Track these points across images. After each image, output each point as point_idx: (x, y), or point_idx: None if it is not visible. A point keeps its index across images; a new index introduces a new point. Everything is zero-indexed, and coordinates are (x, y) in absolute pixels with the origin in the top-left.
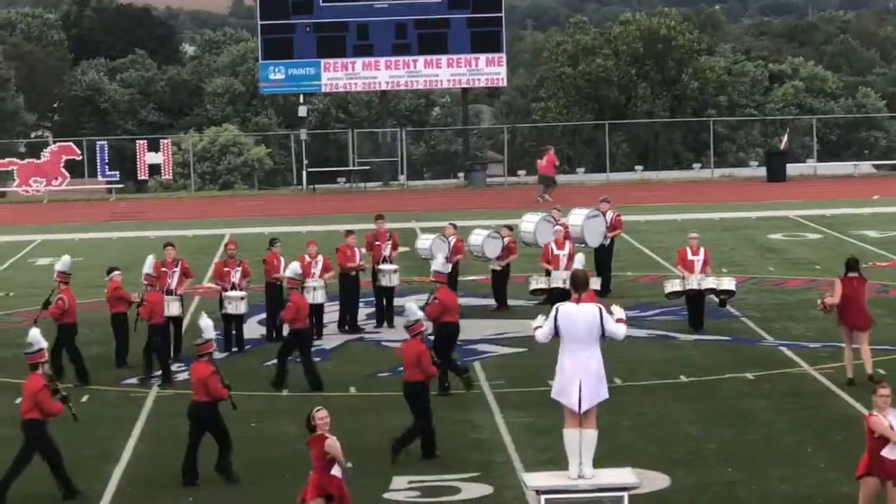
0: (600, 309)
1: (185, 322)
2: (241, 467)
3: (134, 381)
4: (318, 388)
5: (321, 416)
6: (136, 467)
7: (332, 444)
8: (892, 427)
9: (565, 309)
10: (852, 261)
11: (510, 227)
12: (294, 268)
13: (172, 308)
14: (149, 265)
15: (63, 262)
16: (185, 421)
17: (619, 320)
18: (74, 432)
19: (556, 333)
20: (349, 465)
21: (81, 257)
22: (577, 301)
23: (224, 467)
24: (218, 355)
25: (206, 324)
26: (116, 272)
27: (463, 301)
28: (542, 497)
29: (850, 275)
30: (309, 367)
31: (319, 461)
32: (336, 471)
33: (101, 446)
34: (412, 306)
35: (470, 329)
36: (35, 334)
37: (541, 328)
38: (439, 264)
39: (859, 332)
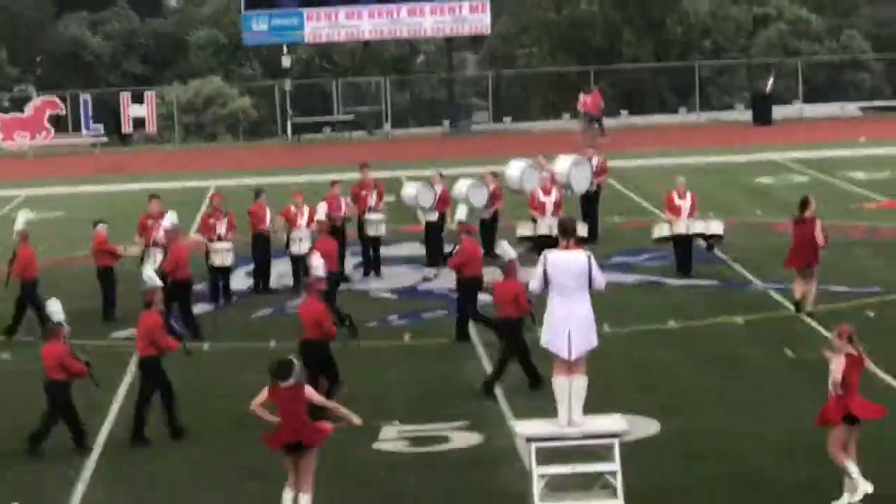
0: (589, 256)
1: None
2: (223, 421)
3: (124, 334)
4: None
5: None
6: (124, 422)
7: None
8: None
9: (554, 256)
10: (804, 200)
11: (495, 175)
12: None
13: (159, 260)
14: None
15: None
16: (172, 374)
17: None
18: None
19: (546, 281)
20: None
21: (65, 211)
22: (566, 248)
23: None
24: (205, 307)
25: (54, 307)
26: (102, 225)
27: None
28: (532, 445)
29: (803, 214)
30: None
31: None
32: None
33: (88, 399)
34: (505, 245)
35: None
36: (149, 272)
37: (532, 280)
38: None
39: (810, 268)
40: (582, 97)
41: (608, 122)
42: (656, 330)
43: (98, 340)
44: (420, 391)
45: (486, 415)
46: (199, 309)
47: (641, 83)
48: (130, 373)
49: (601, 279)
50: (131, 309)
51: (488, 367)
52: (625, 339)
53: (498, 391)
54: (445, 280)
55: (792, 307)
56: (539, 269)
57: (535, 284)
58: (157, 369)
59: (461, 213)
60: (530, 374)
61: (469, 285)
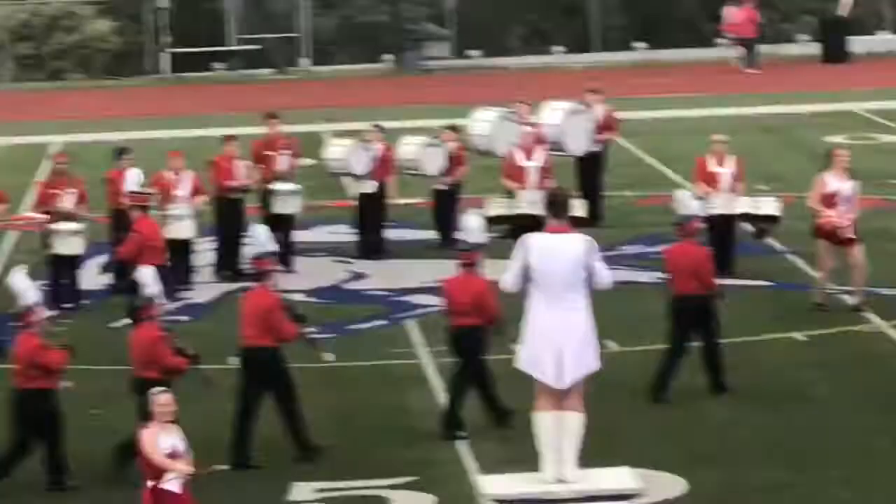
0: (587, 242)
1: None
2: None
3: None
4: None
5: (163, 400)
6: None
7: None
8: None
9: (537, 242)
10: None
11: (455, 129)
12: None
13: None
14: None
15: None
16: None
17: None
18: None
19: (527, 278)
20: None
21: None
22: (556, 231)
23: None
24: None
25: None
26: None
27: (394, 235)
28: None
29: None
30: None
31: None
32: (173, 484)
33: None
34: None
35: (403, 274)
36: (261, 232)
37: (505, 273)
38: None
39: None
40: (729, 12)
41: (615, 56)
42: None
43: None
44: (348, 432)
45: (439, 467)
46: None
47: (668, 2)
48: None
49: (605, 274)
50: None
51: (441, 397)
52: (638, 361)
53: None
54: (382, 276)
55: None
56: (516, 260)
57: (508, 279)
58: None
59: (471, 230)
60: (494, 406)
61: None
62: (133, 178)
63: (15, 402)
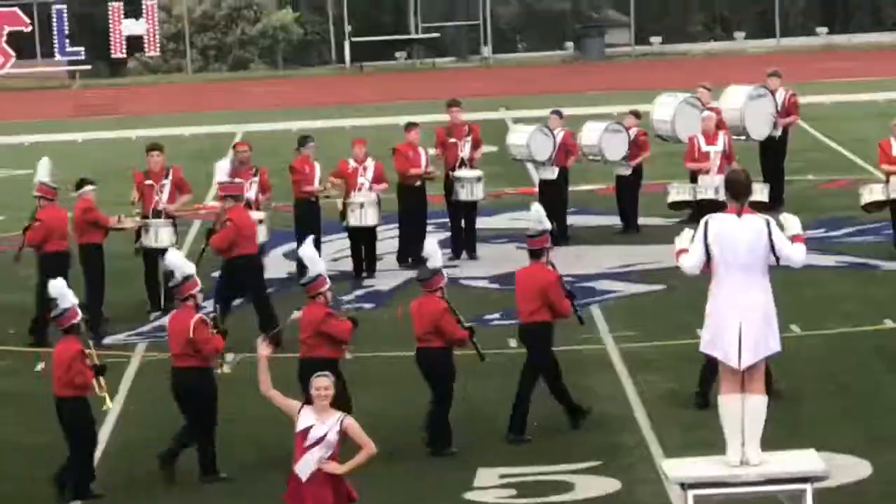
0: (768, 222)
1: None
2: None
3: (118, 338)
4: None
5: (321, 384)
6: (114, 461)
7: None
8: None
9: (719, 224)
10: None
11: (637, 115)
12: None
13: (163, 236)
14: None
15: (43, 169)
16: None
17: (794, 238)
18: (29, 414)
19: (708, 259)
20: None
21: (34, 169)
22: (737, 213)
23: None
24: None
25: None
26: (88, 187)
27: (576, 220)
28: (690, 493)
29: None
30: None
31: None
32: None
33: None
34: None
35: (586, 260)
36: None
37: (686, 252)
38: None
39: None
40: None
41: (798, 40)
42: (867, 333)
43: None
44: (532, 417)
45: (624, 451)
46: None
47: None
48: (124, 394)
49: (792, 251)
50: (124, 305)
51: (629, 384)
52: (822, 345)
53: (640, 416)
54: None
55: None
56: (698, 241)
57: (689, 260)
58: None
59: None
60: (567, 401)
61: None
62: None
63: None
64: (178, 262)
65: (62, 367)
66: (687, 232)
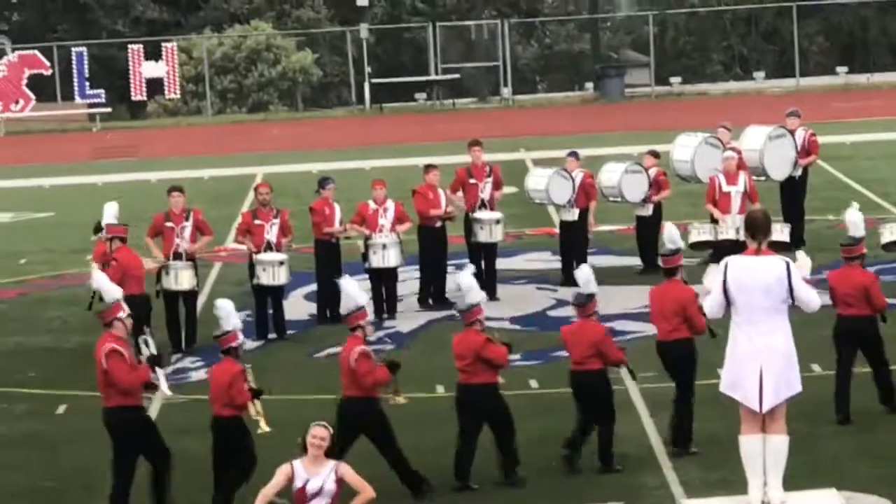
0: (787, 264)
1: (202, 299)
2: None
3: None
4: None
5: (319, 433)
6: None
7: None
8: None
9: (738, 264)
10: None
11: (656, 155)
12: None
13: (183, 278)
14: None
15: (109, 213)
16: (199, 438)
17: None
18: (46, 455)
19: (728, 302)
20: None
21: (53, 211)
22: (756, 253)
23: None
24: (249, 344)
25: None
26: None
27: (596, 260)
28: None
29: None
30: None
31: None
32: None
33: (83, 476)
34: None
35: (607, 300)
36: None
37: (708, 295)
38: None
39: None
40: None
41: (817, 80)
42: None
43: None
44: (554, 457)
45: (645, 491)
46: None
47: (865, 26)
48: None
49: (810, 295)
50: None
51: (649, 424)
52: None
53: (661, 455)
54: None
55: None
56: (717, 283)
57: (711, 305)
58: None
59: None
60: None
61: None
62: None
63: (463, 399)
64: (353, 290)
65: (222, 386)
66: (711, 269)
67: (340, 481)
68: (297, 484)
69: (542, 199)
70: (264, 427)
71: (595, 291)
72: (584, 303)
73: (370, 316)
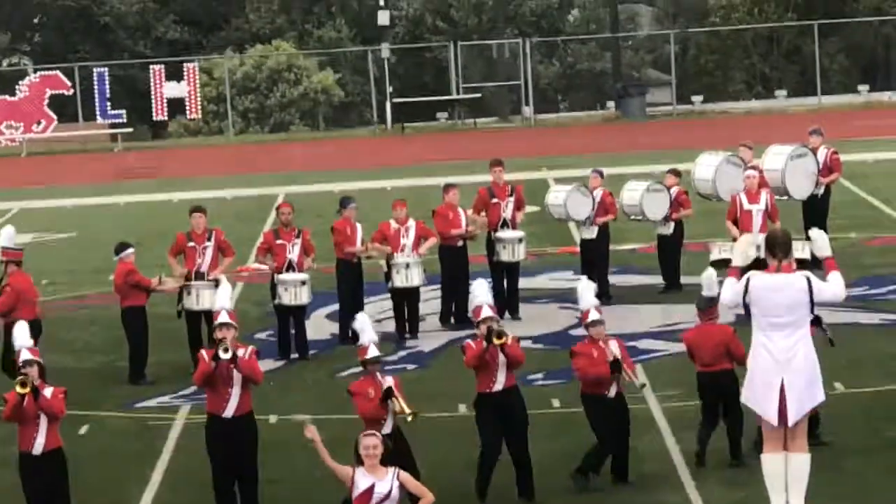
0: (808, 279)
1: None
2: None
3: (162, 400)
4: None
5: (370, 443)
6: None
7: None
8: None
9: (759, 281)
10: None
11: (677, 174)
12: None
13: (204, 298)
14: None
15: (6, 236)
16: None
17: (826, 264)
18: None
19: (747, 313)
20: None
21: (75, 232)
22: (777, 270)
23: None
24: (270, 364)
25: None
26: (128, 250)
27: (617, 280)
28: None
29: None
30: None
31: None
32: None
33: (105, 496)
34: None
35: (629, 319)
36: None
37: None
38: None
39: None
40: None
41: (839, 98)
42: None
43: (121, 412)
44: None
45: None
46: (265, 365)
47: (887, 45)
48: (167, 457)
49: (835, 291)
50: (167, 366)
51: (672, 443)
52: (866, 402)
53: (683, 474)
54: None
55: None
56: (739, 290)
57: (728, 295)
58: None
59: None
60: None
61: None
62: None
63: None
64: (360, 326)
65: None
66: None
67: (402, 487)
68: (361, 487)
69: (560, 215)
70: (407, 416)
71: (715, 295)
72: (707, 306)
73: (373, 352)
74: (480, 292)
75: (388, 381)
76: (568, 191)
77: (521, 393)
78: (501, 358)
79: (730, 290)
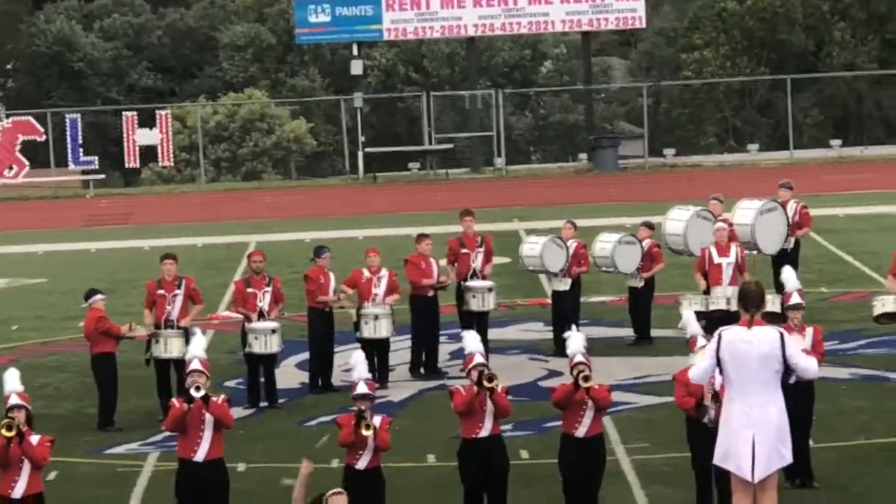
0: (781, 334)
1: None
2: None
3: (130, 447)
4: None
5: (336, 501)
6: None
7: None
8: None
9: (731, 336)
10: None
11: (650, 226)
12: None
13: (172, 346)
14: None
15: None
16: None
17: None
18: None
19: (720, 371)
20: None
21: (46, 278)
22: (749, 324)
23: None
24: (240, 412)
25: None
26: (98, 296)
27: (588, 332)
28: None
29: None
30: None
31: None
32: None
33: None
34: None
35: (599, 371)
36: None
37: (696, 364)
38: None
39: None
40: None
41: (810, 153)
42: (882, 445)
43: (90, 459)
44: None
45: None
46: (235, 413)
47: (859, 100)
48: (139, 497)
49: (807, 361)
50: (136, 413)
51: (640, 495)
52: (836, 459)
53: None
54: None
55: None
56: (709, 352)
57: (698, 371)
58: None
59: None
60: None
61: None
62: None
63: None
64: (354, 363)
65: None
66: (700, 341)
67: None
68: None
69: (535, 266)
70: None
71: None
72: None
73: (361, 389)
74: (471, 341)
75: (377, 420)
76: (543, 242)
77: (503, 442)
78: (490, 405)
79: (697, 368)
